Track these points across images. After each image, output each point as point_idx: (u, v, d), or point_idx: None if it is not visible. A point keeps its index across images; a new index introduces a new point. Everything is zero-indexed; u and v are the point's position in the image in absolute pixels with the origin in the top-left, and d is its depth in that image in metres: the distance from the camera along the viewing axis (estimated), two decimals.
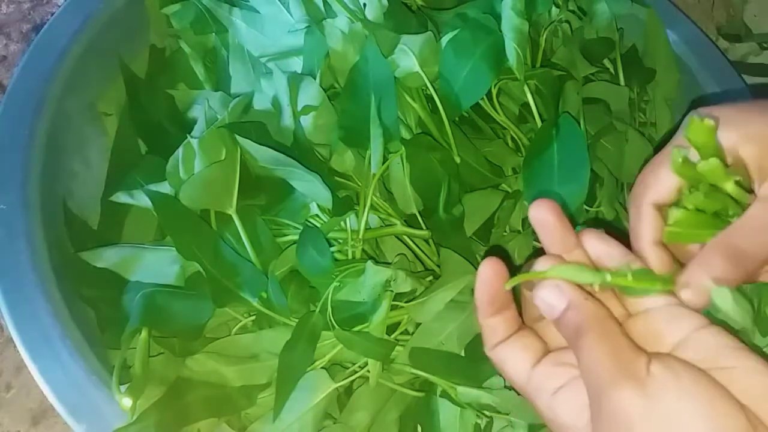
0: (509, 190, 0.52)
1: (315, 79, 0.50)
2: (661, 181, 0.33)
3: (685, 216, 0.31)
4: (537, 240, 0.52)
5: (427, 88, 0.50)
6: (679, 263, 0.32)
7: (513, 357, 0.32)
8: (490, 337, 0.34)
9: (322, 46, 0.51)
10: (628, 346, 0.28)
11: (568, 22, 0.59)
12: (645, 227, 0.33)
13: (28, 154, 0.48)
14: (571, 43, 0.58)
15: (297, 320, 0.45)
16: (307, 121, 0.49)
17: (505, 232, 0.52)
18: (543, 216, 0.32)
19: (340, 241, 0.49)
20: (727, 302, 0.29)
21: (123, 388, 0.41)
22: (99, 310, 0.47)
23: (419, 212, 0.50)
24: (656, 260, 0.32)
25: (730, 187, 0.30)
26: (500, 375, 0.33)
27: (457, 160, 0.50)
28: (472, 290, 0.47)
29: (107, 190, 0.52)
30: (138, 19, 0.58)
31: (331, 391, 0.44)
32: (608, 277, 0.30)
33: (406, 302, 0.47)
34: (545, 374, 0.31)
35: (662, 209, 0.33)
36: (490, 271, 0.32)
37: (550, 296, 0.30)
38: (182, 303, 0.45)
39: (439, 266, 0.49)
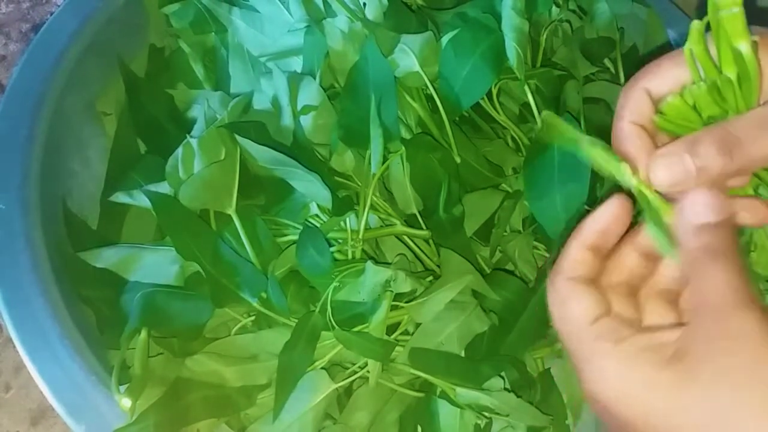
0: (509, 190, 0.52)
1: (315, 78, 0.50)
2: (662, 70, 0.30)
3: (680, 105, 0.29)
4: (537, 240, 0.52)
5: (428, 87, 0.50)
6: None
7: (581, 300, 0.29)
8: (570, 268, 0.30)
9: (322, 45, 0.50)
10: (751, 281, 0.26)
11: (568, 21, 0.59)
12: (630, 106, 0.30)
13: (27, 154, 0.48)
14: (572, 42, 0.58)
15: (297, 320, 0.45)
16: (306, 120, 0.49)
17: (506, 232, 0.52)
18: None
19: (340, 241, 0.49)
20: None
21: (122, 388, 0.41)
22: (98, 311, 0.47)
23: (419, 212, 0.50)
24: (634, 140, 0.29)
25: (744, 47, 0.27)
26: (550, 309, 0.30)
27: (458, 159, 0.50)
28: (473, 290, 0.47)
29: (106, 189, 0.52)
30: (137, 18, 0.58)
31: (330, 391, 0.44)
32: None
33: (406, 302, 0.46)
34: (610, 327, 0.28)
35: (656, 103, 0.30)
36: (619, 208, 0.30)
37: (713, 204, 0.27)
38: (182, 303, 0.45)
39: (439, 266, 0.49)
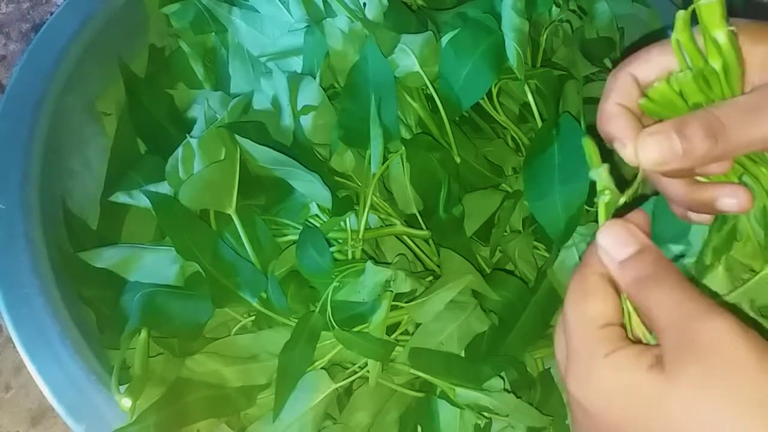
0: (509, 190, 0.52)
1: (315, 78, 0.50)
2: (651, 57, 0.31)
3: (666, 91, 0.29)
4: (537, 240, 0.52)
5: (428, 87, 0.50)
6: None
7: (602, 301, 0.29)
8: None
9: (322, 45, 0.50)
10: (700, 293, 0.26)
11: (568, 21, 0.59)
12: (617, 88, 0.30)
13: (27, 154, 0.48)
14: (572, 42, 0.58)
15: (297, 320, 0.45)
16: (306, 120, 0.49)
17: (506, 232, 0.52)
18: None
19: (340, 241, 0.49)
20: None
21: (122, 388, 0.41)
22: (98, 310, 0.47)
23: (419, 212, 0.50)
24: (620, 120, 0.30)
25: (721, 36, 0.28)
26: (568, 296, 0.30)
27: (458, 159, 0.50)
28: (473, 290, 0.47)
29: (107, 189, 0.52)
30: (137, 18, 0.58)
31: (330, 391, 0.44)
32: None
33: (406, 302, 0.46)
34: (613, 336, 0.28)
35: (643, 88, 0.30)
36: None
37: (622, 237, 0.28)
38: (182, 303, 0.45)
39: (439, 266, 0.49)
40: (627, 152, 0.30)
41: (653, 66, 0.31)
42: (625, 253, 0.28)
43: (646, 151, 0.28)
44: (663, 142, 0.28)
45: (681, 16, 0.29)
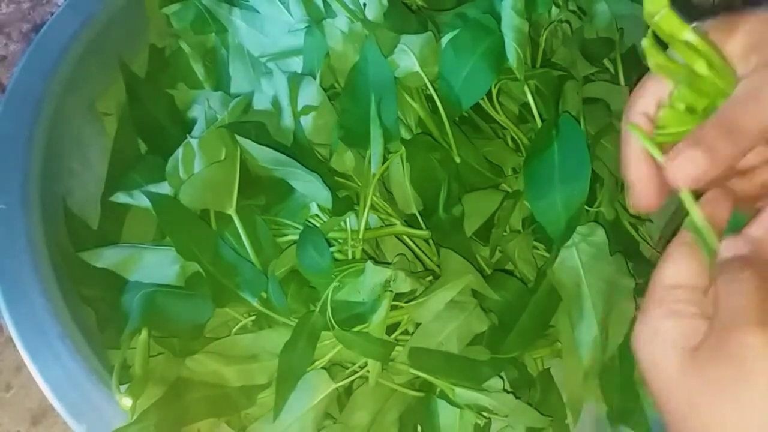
0: (509, 190, 0.52)
1: (315, 79, 0.50)
2: (648, 91, 0.31)
3: (674, 114, 0.30)
4: (537, 240, 0.52)
5: (427, 88, 0.50)
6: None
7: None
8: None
9: (322, 46, 0.51)
10: None
11: (568, 22, 0.59)
12: (632, 135, 0.31)
13: (28, 154, 0.48)
14: (571, 43, 0.58)
15: (297, 320, 0.45)
16: (307, 121, 0.49)
17: (505, 232, 0.52)
18: None
19: (340, 241, 0.49)
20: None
21: (123, 387, 0.41)
22: (99, 310, 0.47)
23: (419, 212, 0.50)
24: (640, 168, 0.31)
25: (690, 36, 0.29)
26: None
27: (457, 160, 0.50)
28: (473, 290, 0.47)
29: (107, 190, 0.52)
30: (138, 19, 0.58)
31: (330, 391, 0.44)
32: None
33: (405, 302, 0.47)
34: (683, 297, 0.29)
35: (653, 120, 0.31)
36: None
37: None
38: (182, 303, 0.45)
39: (439, 266, 0.49)
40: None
41: (651, 97, 0.31)
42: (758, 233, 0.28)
43: (677, 175, 0.29)
44: (688, 161, 0.28)
45: (645, 43, 0.29)
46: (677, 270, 0.29)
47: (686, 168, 0.28)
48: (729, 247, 0.28)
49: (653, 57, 0.29)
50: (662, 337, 0.28)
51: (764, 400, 0.24)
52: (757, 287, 0.26)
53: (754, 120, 0.28)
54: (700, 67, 0.29)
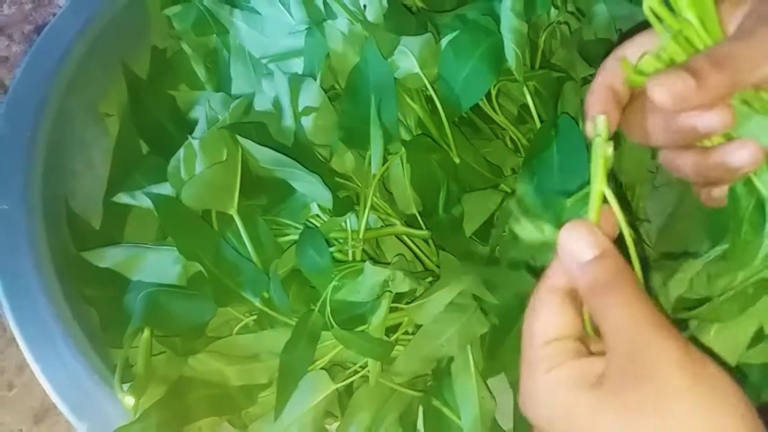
0: (508, 191, 0.53)
1: (315, 80, 0.50)
2: (635, 40, 0.32)
3: (655, 62, 0.30)
4: None
5: (427, 89, 0.51)
6: None
7: (548, 316, 0.29)
8: (556, 278, 0.30)
9: (323, 47, 0.51)
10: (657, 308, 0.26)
11: (566, 23, 0.59)
12: (603, 69, 0.32)
13: (30, 155, 0.48)
14: (570, 44, 0.58)
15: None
16: (307, 121, 0.50)
17: (505, 232, 0.52)
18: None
19: (341, 241, 0.49)
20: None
21: (125, 386, 0.41)
22: (101, 310, 0.48)
23: (419, 212, 0.50)
24: (594, 97, 0.31)
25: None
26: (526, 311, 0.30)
27: (457, 160, 0.50)
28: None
29: (109, 190, 0.52)
30: (139, 20, 0.58)
31: (331, 391, 0.45)
32: None
33: (406, 303, 0.47)
34: (556, 352, 0.28)
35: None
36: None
37: (589, 239, 0.28)
38: (184, 303, 0.45)
39: (438, 266, 0.50)
40: (588, 126, 0.31)
41: (639, 45, 0.32)
42: (587, 255, 0.28)
43: (663, 91, 0.28)
44: (677, 81, 0.28)
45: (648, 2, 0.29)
46: (545, 327, 0.29)
47: (673, 85, 0.28)
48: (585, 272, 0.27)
49: (650, 1, 0.30)
50: (563, 386, 0.27)
51: (685, 403, 0.24)
52: (633, 299, 0.26)
53: (746, 59, 0.28)
54: (689, 15, 0.29)
